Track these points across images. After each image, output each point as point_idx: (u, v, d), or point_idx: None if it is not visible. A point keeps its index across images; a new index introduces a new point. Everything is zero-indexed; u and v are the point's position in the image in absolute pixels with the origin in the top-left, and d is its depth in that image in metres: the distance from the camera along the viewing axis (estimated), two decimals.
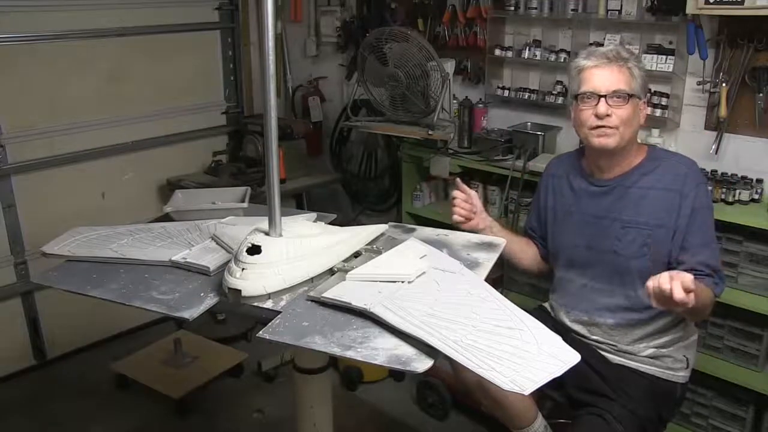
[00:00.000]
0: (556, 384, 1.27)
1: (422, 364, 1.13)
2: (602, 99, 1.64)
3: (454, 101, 2.97)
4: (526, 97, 2.86)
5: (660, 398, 1.75)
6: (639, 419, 1.68)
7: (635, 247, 1.68)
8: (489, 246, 1.65)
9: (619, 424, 1.64)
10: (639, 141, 1.81)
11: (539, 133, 2.73)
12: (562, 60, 2.68)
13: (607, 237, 1.73)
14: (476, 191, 2.93)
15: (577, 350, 1.15)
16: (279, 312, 1.32)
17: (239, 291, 1.35)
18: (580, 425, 1.72)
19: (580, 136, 1.73)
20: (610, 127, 1.65)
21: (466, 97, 3.03)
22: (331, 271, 1.48)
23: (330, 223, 1.73)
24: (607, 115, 1.63)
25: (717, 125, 2.36)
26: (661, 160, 1.71)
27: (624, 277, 1.71)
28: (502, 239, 1.71)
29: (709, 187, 2.27)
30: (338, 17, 3.55)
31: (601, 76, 1.65)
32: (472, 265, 1.54)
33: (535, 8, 2.73)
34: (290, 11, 3.70)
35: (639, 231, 1.68)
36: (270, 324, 1.27)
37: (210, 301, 1.39)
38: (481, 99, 2.99)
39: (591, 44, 2.58)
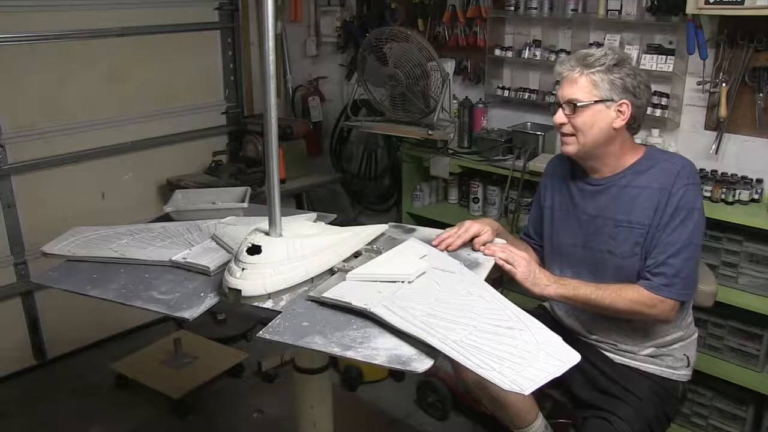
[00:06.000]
0: (557, 383, 1.27)
1: (422, 364, 1.13)
2: (560, 108, 1.67)
3: (454, 101, 2.97)
4: (526, 97, 2.86)
5: (663, 397, 1.75)
6: (645, 419, 1.68)
7: (628, 246, 1.69)
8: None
9: (626, 424, 1.64)
10: (638, 141, 1.80)
11: (539, 133, 2.73)
12: None
13: (601, 236, 1.73)
14: (477, 190, 2.97)
15: (578, 350, 1.16)
16: (279, 312, 1.32)
17: (239, 291, 1.35)
18: (586, 430, 1.72)
19: None
20: (567, 135, 1.68)
21: (466, 97, 3.03)
22: (331, 271, 1.48)
23: (330, 223, 1.73)
24: (562, 123, 1.67)
25: (717, 125, 2.36)
26: (657, 160, 1.70)
27: (620, 277, 1.71)
28: (502, 239, 1.71)
29: (709, 187, 2.28)
30: (338, 17, 3.55)
31: (561, 85, 1.68)
32: (472, 265, 1.55)
33: (535, 8, 2.74)
34: (290, 11, 3.70)
35: (631, 230, 1.68)
36: (270, 324, 1.27)
37: (210, 301, 1.39)
38: (481, 99, 2.99)
39: (591, 44, 2.58)
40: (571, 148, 1.69)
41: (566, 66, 1.66)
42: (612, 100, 1.63)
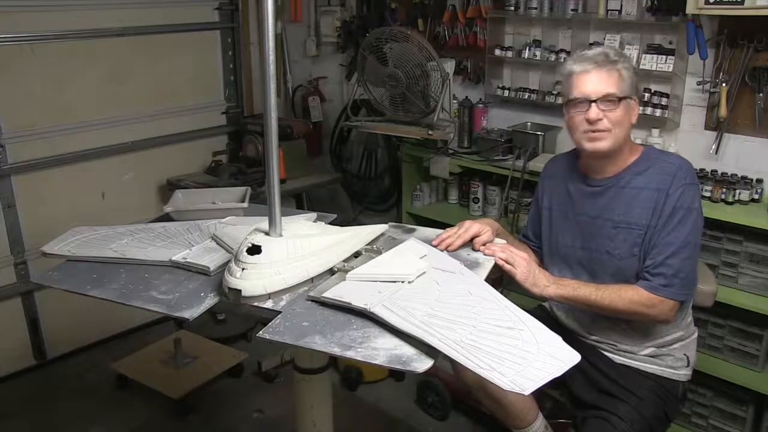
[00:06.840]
0: (557, 383, 1.27)
1: (422, 364, 1.13)
2: (593, 104, 1.64)
3: (454, 101, 2.97)
4: (526, 97, 2.86)
5: (663, 397, 1.75)
6: (645, 419, 1.68)
7: (626, 247, 1.69)
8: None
9: (626, 424, 1.65)
10: (638, 141, 1.81)
11: (539, 133, 2.73)
12: (562, 60, 2.67)
13: (600, 237, 1.73)
14: (477, 190, 2.97)
15: (578, 350, 1.16)
16: (279, 312, 1.32)
17: (239, 291, 1.35)
18: (586, 430, 1.72)
19: (573, 140, 1.73)
20: (602, 131, 1.65)
21: (466, 97, 3.03)
22: (331, 271, 1.48)
23: (330, 223, 1.73)
24: (599, 119, 1.64)
25: (717, 125, 2.36)
26: (655, 161, 1.70)
27: (618, 277, 1.71)
28: (502, 240, 1.71)
29: (709, 187, 2.28)
30: (338, 17, 3.55)
31: (590, 81, 1.65)
32: (472, 265, 1.55)
33: (535, 8, 2.74)
34: (290, 11, 3.70)
35: (629, 231, 1.68)
36: (270, 324, 1.27)
37: (210, 301, 1.39)
38: (481, 99, 2.99)
39: (591, 44, 2.58)
40: (605, 143, 1.66)
41: (591, 63, 1.65)
42: (632, 96, 1.67)
